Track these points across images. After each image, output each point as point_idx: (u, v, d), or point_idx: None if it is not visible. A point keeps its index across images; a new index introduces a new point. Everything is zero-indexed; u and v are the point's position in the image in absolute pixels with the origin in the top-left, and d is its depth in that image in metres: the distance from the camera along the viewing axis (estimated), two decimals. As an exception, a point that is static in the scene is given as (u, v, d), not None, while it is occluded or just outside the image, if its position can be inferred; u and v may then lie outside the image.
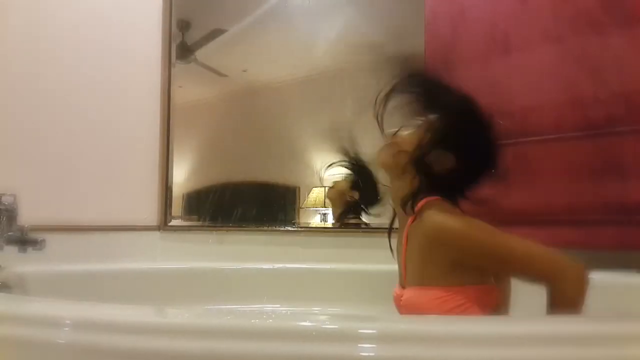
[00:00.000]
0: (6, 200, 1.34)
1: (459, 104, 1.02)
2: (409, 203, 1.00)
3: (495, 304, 1.01)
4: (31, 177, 1.63)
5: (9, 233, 1.32)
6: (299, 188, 1.91)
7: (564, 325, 0.72)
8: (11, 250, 1.32)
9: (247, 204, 1.97)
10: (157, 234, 1.89)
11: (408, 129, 1.04)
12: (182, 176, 1.98)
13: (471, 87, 1.55)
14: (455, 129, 1.00)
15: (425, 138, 0.99)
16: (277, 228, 1.87)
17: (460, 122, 1.01)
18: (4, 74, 1.63)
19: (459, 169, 0.99)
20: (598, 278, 1.28)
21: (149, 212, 1.90)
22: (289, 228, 1.87)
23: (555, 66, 1.40)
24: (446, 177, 0.99)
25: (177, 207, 1.96)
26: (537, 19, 1.44)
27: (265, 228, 1.88)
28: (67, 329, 0.73)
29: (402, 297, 1.04)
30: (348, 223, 1.83)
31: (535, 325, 0.71)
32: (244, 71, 2.03)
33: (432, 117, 1.02)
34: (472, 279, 0.97)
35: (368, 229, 1.80)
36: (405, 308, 1.04)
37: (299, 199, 1.90)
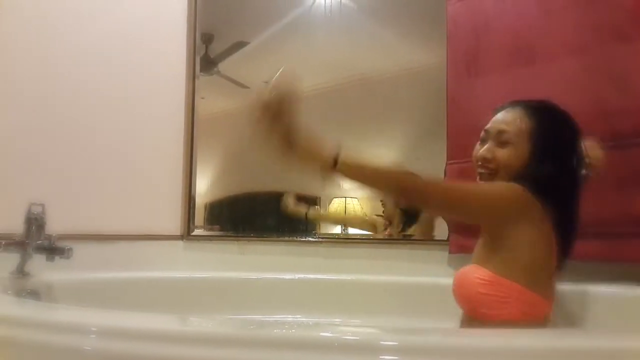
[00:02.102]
0: (35, 209, 1.37)
1: None
2: None
3: (541, 317, 1.02)
4: (59, 188, 1.66)
5: (38, 241, 1.35)
6: (320, 199, 1.92)
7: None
8: (40, 259, 1.35)
9: (268, 214, 1.98)
10: (180, 243, 1.92)
11: None
12: (204, 186, 2.01)
13: (495, 98, 1.55)
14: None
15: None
16: (298, 238, 1.88)
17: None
18: (34, 87, 1.68)
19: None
20: (625, 292, 1.26)
21: (173, 222, 1.92)
22: (310, 238, 1.87)
23: (580, 77, 1.38)
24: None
25: (199, 216, 1.99)
26: (561, 29, 1.43)
27: (287, 238, 1.88)
28: (93, 336, 0.75)
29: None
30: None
31: (568, 341, 0.70)
32: (266, 82, 2.04)
33: None
34: (524, 279, 1.00)
35: (391, 240, 1.80)
36: (455, 282, 1.09)
37: (320, 210, 1.90)
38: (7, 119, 1.61)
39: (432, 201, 1.04)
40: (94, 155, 1.78)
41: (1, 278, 1.29)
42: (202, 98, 2.02)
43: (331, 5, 1.94)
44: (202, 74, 2.02)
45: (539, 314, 1.02)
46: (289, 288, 1.62)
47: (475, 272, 1.04)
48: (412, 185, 1.02)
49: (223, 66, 2.05)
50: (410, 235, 1.77)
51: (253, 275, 1.68)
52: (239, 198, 2.03)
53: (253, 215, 2.01)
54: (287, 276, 1.65)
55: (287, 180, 1.96)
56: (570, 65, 1.41)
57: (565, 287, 1.18)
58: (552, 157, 1.06)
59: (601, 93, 1.34)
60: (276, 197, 1.98)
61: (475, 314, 1.04)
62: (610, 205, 1.32)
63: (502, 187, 1.06)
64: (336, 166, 0.97)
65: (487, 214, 1.06)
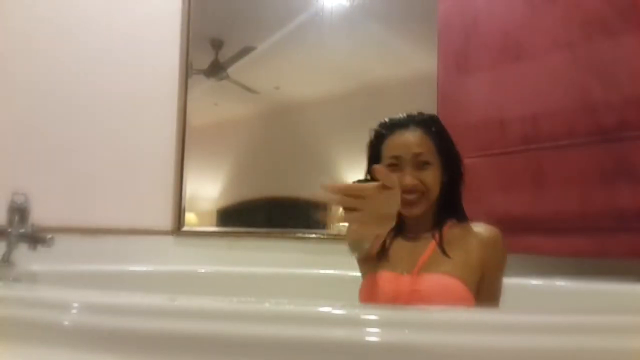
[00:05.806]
0: (18, 199, 1.37)
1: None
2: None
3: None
4: (48, 181, 1.66)
5: (20, 230, 1.34)
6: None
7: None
8: (27, 251, 1.34)
9: (277, 218, 1.96)
10: (170, 238, 1.91)
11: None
12: (215, 191, 1.99)
13: (484, 95, 1.57)
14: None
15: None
16: (305, 235, 1.87)
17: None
18: (25, 80, 1.67)
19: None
20: (608, 287, 1.26)
21: (163, 217, 1.92)
22: (316, 235, 1.86)
23: (567, 72, 1.39)
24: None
25: (212, 220, 1.98)
26: (548, 26, 1.45)
27: (294, 235, 1.87)
28: (74, 311, 0.74)
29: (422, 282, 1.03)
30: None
31: (527, 317, 0.71)
32: (276, 88, 2.02)
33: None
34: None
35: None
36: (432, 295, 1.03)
37: (328, 214, 1.86)
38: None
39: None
40: (86, 150, 1.78)
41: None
42: (215, 104, 2.03)
43: (331, 11, 1.95)
44: (212, 79, 2.02)
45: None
46: (281, 282, 1.61)
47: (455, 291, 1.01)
48: None
49: (233, 72, 2.03)
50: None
51: (243, 269, 1.66)
52: (247, 203, 1.98)
53: (260, 219, 1.97)
54: (281, 270, 1.65)
55: (295, 185, 1.94)
56: (557, 61, 1.42)
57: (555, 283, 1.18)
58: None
59: (587, 88, 1.35)
60: (282, 202, 1.95)
61: None
62: (596, 200, 1.32)
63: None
64: None
65: None
